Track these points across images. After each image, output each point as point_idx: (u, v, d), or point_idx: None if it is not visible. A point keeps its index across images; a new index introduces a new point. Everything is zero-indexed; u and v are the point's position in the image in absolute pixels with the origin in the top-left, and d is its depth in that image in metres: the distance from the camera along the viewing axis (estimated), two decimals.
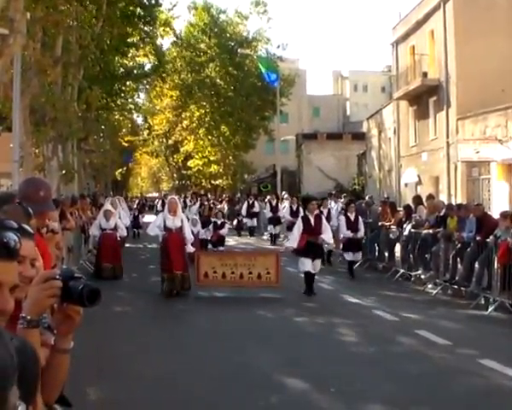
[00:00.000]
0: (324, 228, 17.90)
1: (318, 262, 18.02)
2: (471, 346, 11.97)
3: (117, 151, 63.10)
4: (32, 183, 6.19)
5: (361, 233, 22.24)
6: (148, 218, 46.71)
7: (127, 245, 28.18)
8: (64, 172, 28.22)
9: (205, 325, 13.92)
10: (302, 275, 17.79)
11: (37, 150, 27.82)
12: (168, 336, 12.69)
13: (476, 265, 17.28)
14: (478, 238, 17.25)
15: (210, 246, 25.84)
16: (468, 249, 17.67)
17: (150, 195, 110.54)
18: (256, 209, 39.80)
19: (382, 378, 9.97)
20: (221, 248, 25.52)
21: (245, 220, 39.65)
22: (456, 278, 18.17)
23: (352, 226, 21.89)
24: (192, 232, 20.54)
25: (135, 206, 46.24)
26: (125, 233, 23.23)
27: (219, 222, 26.58)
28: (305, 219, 17.81)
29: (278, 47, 62.87)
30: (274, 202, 35.75)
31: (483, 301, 16.17)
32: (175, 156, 78.40)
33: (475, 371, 10.14)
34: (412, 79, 40.85)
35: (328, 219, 27.95)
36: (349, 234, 21.79)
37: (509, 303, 15.38)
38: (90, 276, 19.97)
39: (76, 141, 34.44)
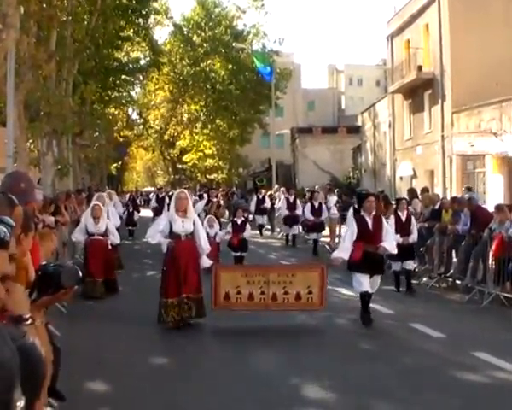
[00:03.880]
0: (385, 233, 13.75)
1: (378, 279, 13.85)
2: (466, 339, 12.00)
3: (112, 145, 62.97)
4: (12, 176, 6.25)
5: (413, 237, 17.89)
6: (143, 212, 46.57)
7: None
8: (59, 167, 28.16)
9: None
10: (357, 296, 13.92)
11: (31, 145, 27.79)
12: (168, 338, 12.62)
13: (471, 258, 17.33)
14: (472, 231, 17.31)
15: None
16: (463, 243, 17.73)
17: (146, 189, 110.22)
18: (266, 205, 35.19)
19: (377, 371, 9.98)
20: (243, 254, 21.02)
21: (251, 217, 32.88)
22: (451, 271, 18.22)
23: (403, 229, 17.55)
24: (208, 235, 16.40)
25: (126, 201, 40.24)
26: (117, 240, 18.38)
27: (239, 221, 21.40)
28: (361, 222, 13.58)
29: (275, 42, 62.87)
30: (291, 198, 30.67)
31: (478, 295, 16.19)
32: (170, 151, 78.37)
33: (470, 364, 10.16)
34: (407, 73, 40.90)
35: (319, 212, 27.18)
36: (398, 239, 16.47)
37: (504, 296, 15.42)
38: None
39: (71, 136, 34.33)
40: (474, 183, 33.91)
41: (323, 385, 9.23)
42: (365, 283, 13.34)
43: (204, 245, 13.23)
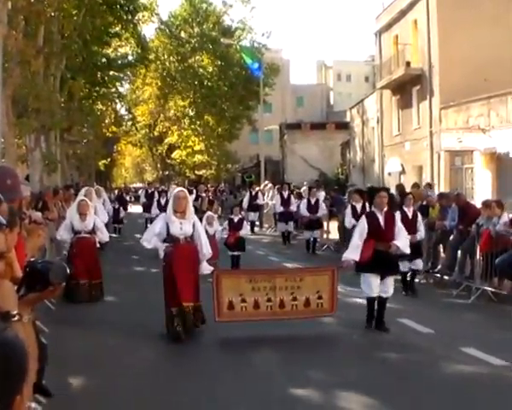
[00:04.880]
0: (398, 231, 12.67)
1: (391, 281, 12.71)
2: (453, 334, 12.05)
3: (100, 141, 62.85)
4: None
5: (421, 234, 16.84)
6: (133, 209, 46.44)
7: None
8: (47, 162, 28.10)
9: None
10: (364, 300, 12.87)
11: (19, 141, 27.71)
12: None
13: (459, 253, 17.41)
14: (460, 227, 17.37)
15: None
16: (451, 238, 17.78)
17: (135, 185, 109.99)
18: (259, 201, 34.22)
19: (365, 367, 10.02)
20: (240, 253, 19.79)
21: (244, 214, 28.17)
22: (439, 266, 18.26)
23: (410, 226, 15.58)
24: (207, 234, 14.07)
25: (113, 197, 39.25)
26: (106, 238, 17.06)
27: (236, 219, 20.21)
28: (372, 218, 12.62)
29: (263, 35, 62.93)
30: (286, 194, 29.74)
31: (466, 290, 16.24)
32: (159, 147, 78.32)
33: (457, 360, 10.20)
34: (395, 69, 40.91)
35: (316, 209, 26.05)
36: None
37: (491, 292, 15.48)
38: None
39: (59, 131, 34.30)
40: (462, 179, 34.02)
41: (315, 380, 9.25)
42: (375, 286, 12.39)
43: (205, 250, 11.99)
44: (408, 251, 13.17)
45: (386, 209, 12.64)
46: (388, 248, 12.39)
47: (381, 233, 12.43)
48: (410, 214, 16.56)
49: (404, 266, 15.90)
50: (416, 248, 16.18)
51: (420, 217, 17.01)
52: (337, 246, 25.14)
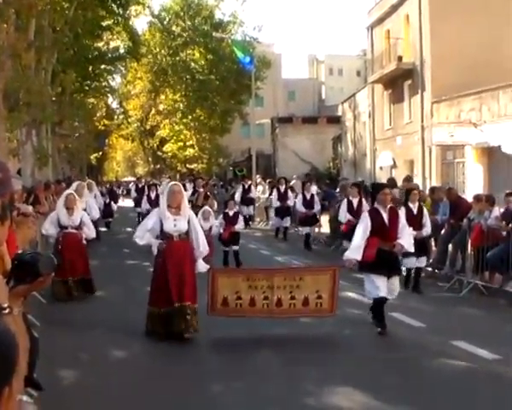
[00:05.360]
0: (402, 229, 12.11)
1: (396, 281, 12.24)
2: (445, 328, 12.08)
3: (92, 135, 62.79)
4: None
5: (427, 230, 16.26)
6: (124, 203, 46.33)
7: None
8: (38, 156, 28.01)
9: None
10: (370, 301, 12.20)
11: (11, 135, 27.61)
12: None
13: (450, 248, 17.45)
14: (452, 221, 17.41)
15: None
16: (442, 232, 17.83)
17: (126, 179, 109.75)
18: (252, 195, 33.13)
19: (355, 361, 10.04)
20: (235, 248, 19.63)
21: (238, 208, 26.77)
22: (431, 260, 18.29)
23: (415, 222, 15.40)
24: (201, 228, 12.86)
25: (104, 191, 37.24)
26: (93, 234, 16.20)
27: (231, 213, 19.89)
28: (376, 216, 11.98)
29: (254, 29, 62.92)
30: (282, 189, 28.59)
31: (457, 284, 16.28)
32: (150, 141, 78.26)
33: (449, 353, 10.22)
34: (387, 63, 40.98)
35: (312, 204, 25.46)
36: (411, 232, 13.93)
37: (483, 285, 15.53)
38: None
39: (50, 125, 34.20)
40: (454, 173, 34.10)
41: (298, 373, 9.25)
42: (382, 286, 11.71)
43: (202, 248, 11.39)
44: (412, 249, 12.77)
45: (389, 206, 12.13)
46: (393, 248, 11.89)
47: (385, 231, 11.88)
48: (415, 210, 16.03)
49: (410, 262, 15.68)
50: (422, 244, 15.71)
51: (426, 212, 16.48)
52: (328, 240, 25.20)
